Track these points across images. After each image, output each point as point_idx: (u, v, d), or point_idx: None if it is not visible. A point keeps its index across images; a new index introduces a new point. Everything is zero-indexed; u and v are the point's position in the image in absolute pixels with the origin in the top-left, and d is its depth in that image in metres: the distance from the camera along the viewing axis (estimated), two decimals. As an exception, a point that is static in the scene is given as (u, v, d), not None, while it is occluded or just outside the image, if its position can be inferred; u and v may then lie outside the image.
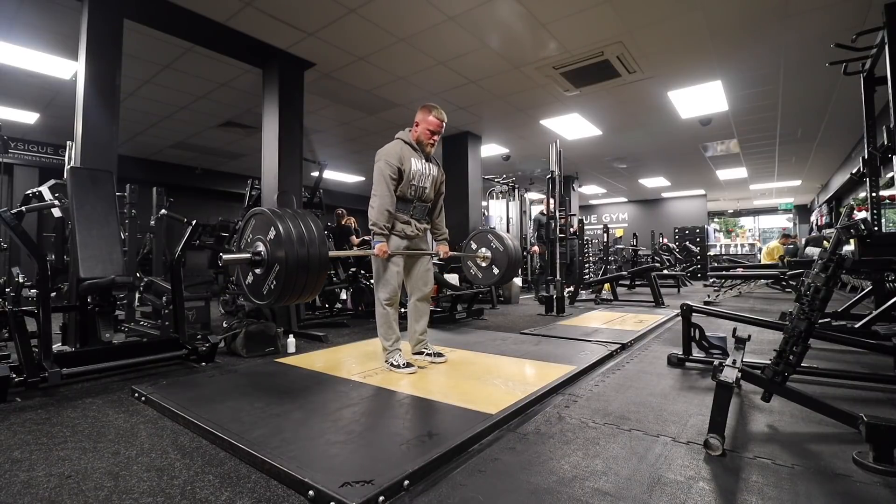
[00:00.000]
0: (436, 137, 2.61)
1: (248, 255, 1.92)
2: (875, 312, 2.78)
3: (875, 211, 3.09)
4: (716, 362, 1.83)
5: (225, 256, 1.91)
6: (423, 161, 2.63)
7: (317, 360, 2.86)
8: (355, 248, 5.20)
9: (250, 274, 1.99)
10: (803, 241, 9.20)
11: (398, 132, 2.65)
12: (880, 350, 2.31)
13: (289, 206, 4.14)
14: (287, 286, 1.89)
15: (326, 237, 4.91)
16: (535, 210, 7.86)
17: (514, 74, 5.05)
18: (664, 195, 14.04)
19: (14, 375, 2.09)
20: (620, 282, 7.22)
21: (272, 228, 1.89)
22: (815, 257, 1.69)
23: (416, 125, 2.61)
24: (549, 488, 1.27)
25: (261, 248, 1.92)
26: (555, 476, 1.34)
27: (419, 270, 2.73)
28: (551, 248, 5.43)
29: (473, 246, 3.20)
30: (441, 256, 2.80)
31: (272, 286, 1.89)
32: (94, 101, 3.27)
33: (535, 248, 7.02)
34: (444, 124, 2.62)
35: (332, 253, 2.09)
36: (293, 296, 1.98)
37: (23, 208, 2.48)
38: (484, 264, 3.15)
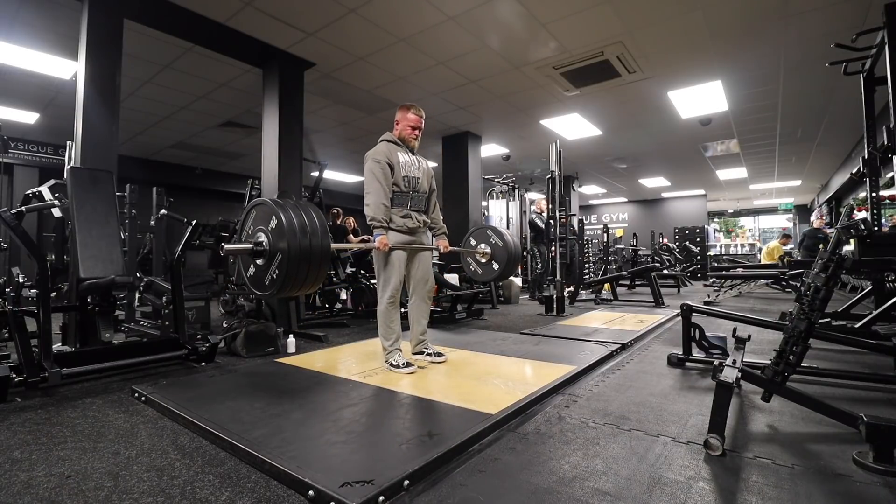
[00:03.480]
0: (417, 132, 2.72)
1: (250, 246, 1.93)
2: (875, 312, 2.78)
3: (875, 211, 3.09)
4: (716, 362, 1.83)
5: (227, 246, 1.93)
6: (410, 154, 2.71)
7: (317, 360, 2.86)
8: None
9: (252, 266, 2.01)
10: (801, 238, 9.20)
11: (381, 136, 2.73)
12: (880, 350, 2.31)
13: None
14: (289, 276, 1.90)
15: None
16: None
17: (514, 74, 5.05)
18: (664, 195, 14.04)
19: (14, 375, 2.09)
20: (620, 282, 7.22)
21: (273, 218, 1.89)
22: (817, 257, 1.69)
23: (397, 123, 2.71)
24: (549, 488, 1.27)
25: (262, 238, 1.93)
26: (555, 476, 1.34)
27: (420, 268, 2.73)
28: (550, 248, 5.43)
29: (473, 242, 3.20)
30: (441, 251, 2.83)
31: (274, 276, 1.90)
32: (94, 101, 3.27)
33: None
34: (423, 119, 2.73)
35: (335, 246, 2.10)
36: (295, 286, 1.98)
37: (23, 208, 2.48)
38: (483, 260, 3.15)
